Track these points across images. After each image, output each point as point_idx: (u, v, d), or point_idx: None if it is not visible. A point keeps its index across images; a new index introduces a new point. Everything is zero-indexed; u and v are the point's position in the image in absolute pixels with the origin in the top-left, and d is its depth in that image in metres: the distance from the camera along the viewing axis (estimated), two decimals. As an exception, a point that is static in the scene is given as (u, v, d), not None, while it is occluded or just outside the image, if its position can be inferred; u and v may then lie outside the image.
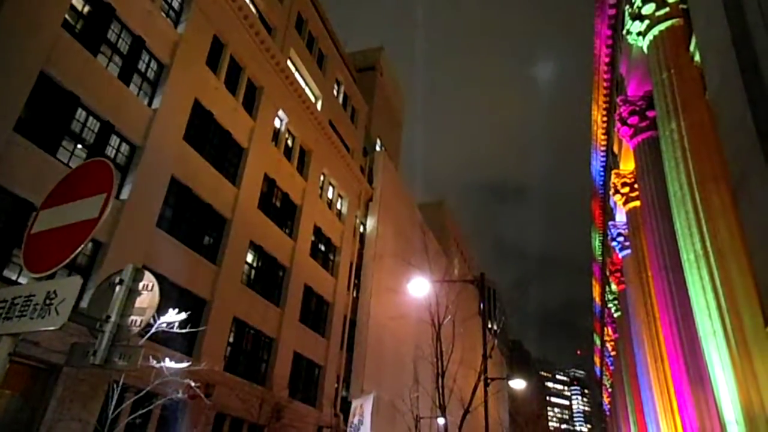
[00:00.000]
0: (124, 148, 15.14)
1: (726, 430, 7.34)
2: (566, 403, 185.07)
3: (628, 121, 13.39)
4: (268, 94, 22.63)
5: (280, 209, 23.61)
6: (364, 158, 33.85)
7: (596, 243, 29.97)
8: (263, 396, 18.98)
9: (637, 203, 15.55)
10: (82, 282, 3.52)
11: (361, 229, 32.10)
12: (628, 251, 18.38)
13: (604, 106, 18.38)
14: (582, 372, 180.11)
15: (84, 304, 4.17)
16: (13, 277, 11.53)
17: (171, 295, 15.68)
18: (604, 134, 19.50)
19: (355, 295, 29.71)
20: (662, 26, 10.30)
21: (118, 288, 3.78)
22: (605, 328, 36.48)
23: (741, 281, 7.56)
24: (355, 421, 17.04)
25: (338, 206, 29.67)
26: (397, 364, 30.02)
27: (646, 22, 10.55)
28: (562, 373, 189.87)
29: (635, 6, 10.70)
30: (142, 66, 16.00)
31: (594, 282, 36.03)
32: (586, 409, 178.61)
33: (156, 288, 3.83)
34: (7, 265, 11.58)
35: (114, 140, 14.78)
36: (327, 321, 26.45)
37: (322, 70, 29.24)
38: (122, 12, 14.96)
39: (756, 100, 6.05)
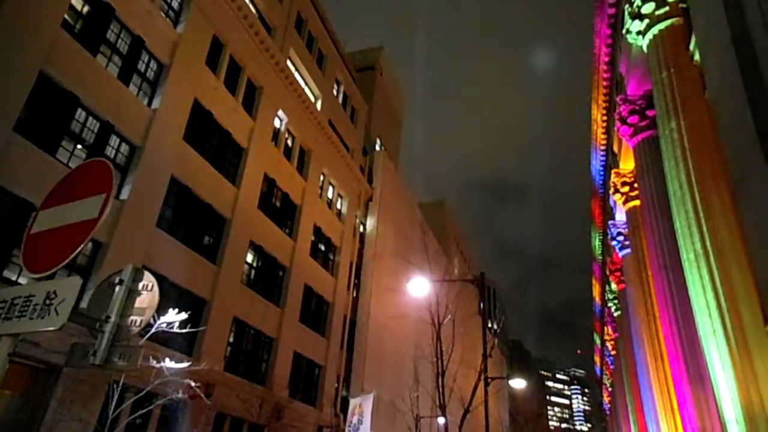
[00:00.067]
0: (124, 148, 15.14)
1: (726, 429, 7.33)
2: (566, 402, 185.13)
3: (628, 121, 13.38)
4: (268, 94, 22.62)
5: (280, 209, 23.61)
6: (363, 158, 33.85)
7: (596, 242, 29.97)
8: (263, 396, 18.98)
9: (637, 202, 15.55)
10: (81, 282, 3.52)
11: (361, 229, 32.10)
12: (628, 250, 18.37)
13: (604, 105, 18.38)
14: (582, 371, 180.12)
15: (84, 304, 4.17)
16: (13, 278, 11.52)
17: (171, 295, 15.68)
18: (603, 133, 19.49)
19: (355, 294, 29.71)
20: (662, 25, 10.30)
21: (117, 288, 3.78)
22: (605, 328, 36.49)
23: (741, 280, 7.55)
24: (354, 420, 17.03)
25: (338, 206, 29.67)
26: (397, 363, 30.03)
27: (646, 21, 10.54)
28: (562, 373, 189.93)
29: (635, 5, 10.69)
30: (141, 66, 16.00)
31: (594, 281, 36.02)
32: (587, 408, 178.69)
33: (156, 288, 3.83)
34: (6, 265, 11.58)
35: (114, 140, 14.78)
36: (327, 321, 26.45)
37: (322, 70, 29.24)
38: (122, 12, 14.95)
39: (756, 99, 6.05)
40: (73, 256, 3.69)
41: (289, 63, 24.93)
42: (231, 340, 19.14)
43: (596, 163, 21.82)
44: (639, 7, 10.59)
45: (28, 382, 11.89)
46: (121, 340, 3.66)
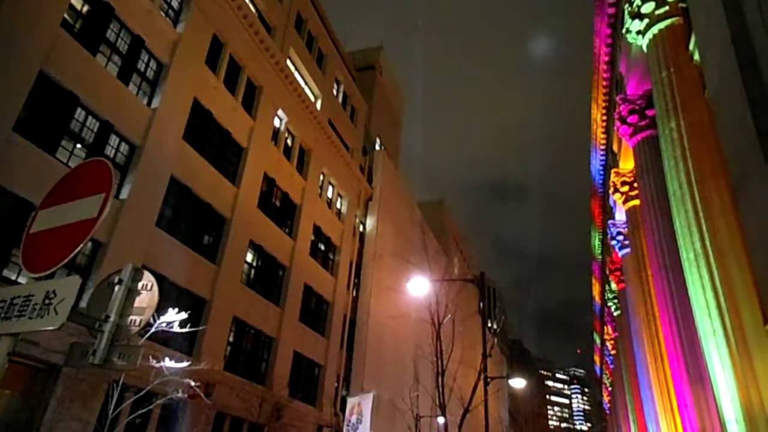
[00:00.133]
0: (124, 147, 15.13)
1: (726, 429, 7.34)
2: (566, 401, 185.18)
3: (628, 120, 13.38)
4: (268, 94, 22.61)
5: (280, 208, 23.61)
6: (363, 157, 33.85)
7: (596, 242, 29.98)
8: (263, 395, 18.99)
9: (637, 202, 15.55)
10: (81, 282, 3.52)
11: (361, 229, 32.11)
12: (628, 250, 18.38)
13: (604, 104, 18.38)
14: (582, 371, 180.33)
15: (83, 303, 4.17)
16: (13, 277, 11.52)
17: (170, 294, 15.67)
18: (603, 133, 19.50)
19: (354, 294, 29.72)
20: (662, 25, 10.29)
21: (117, 288, 3.77)
22: (605, 327, 36.50)
23: (741, 280, 7.55)
24: (353, 419, 17.01)
25: (338, 205, 29.67)
26: (397, 363, 30.03)
27: (646, 20, 10.54)
28: (562, 372, 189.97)
29: (635, 5, 10.69)
30: (141, 65, 15.99)
31: (594, 281, 36.04)
32: (586, 407, 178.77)
33: (155, 287, 3.83)
34: (6, 264, 11.58)
35: (113, 140, 14.77)
36: (327, 320, 26.46)
37: (322, 70, 29.23)
38: (121, 11, 14.95)
39: (755, 99, 6.05)
40: (72, 255, 3.69)
41: (288, 62, 24.92)
42: (231, 339, 19.14)
43: (596, 162, 21.82)
44: (639, 7, 10.59)
45: (27, 382, 11.89)
46: (121, 340, 3.66)
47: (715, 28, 7.12)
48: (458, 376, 16.62)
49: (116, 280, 3.82)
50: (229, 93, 20.06)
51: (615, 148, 17.42)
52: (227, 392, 17.46)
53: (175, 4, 17.79)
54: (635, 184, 15.01)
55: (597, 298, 37.49)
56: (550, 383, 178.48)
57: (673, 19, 10.20)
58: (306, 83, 27.23)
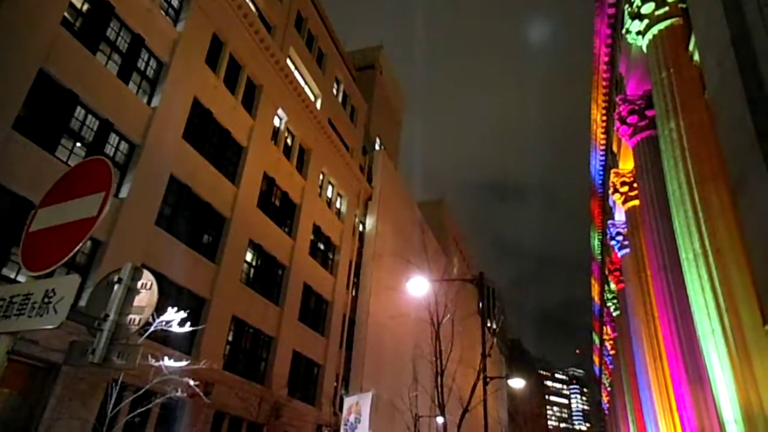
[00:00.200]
0: (123, 146, 15.12)
1: (725, 429, 7.34)
2: (565, 401, 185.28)
3: (628, 120, 13.39)
4: (268, 93, 22.61)
5: (280, 208, 23.61)
6: (363, 157, 33.84)
7: (595, 242, 29.98)
8: (262, 395, 19.00)
9: (636, 202, 15.55)
10: (80, 280, 3.52)
11: (361, 228, 32.11)
12: (627, 250, 18.38)
13: (604, 105, 18.38)
14: (581, 371, 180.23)
15: (83, 302, 4.17)
16: (12, 276, 11.52)
17: (170, 293, 15.69)
18: (603, 133, 19.50)
19: (354, 293, 29.72)
20: (661, 25, 10.30)
21: (116, 286, 3.77)
22: (604, 327, 36.51)
23: (740, 280, 7.56)
24: (351, 419, 16.98)
25: (337, 205, 29.67)
26: (396, 362, 30.04)
27: (646, 21, 10.54)
28: (561, 372, 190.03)
29: (634, 5, 10.69)
30: (141, 64, 15.98)
31: (593, 281, 36.04)
32: (585, 407, 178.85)
33: (155, 286, 3.83)
34: (5, 263, 11.58)
35: (113, 138, 14.77)
36: (326, 320, 26.46)
37: (322, 69, 29.22)
38: (121, 10, 14.94)
39: (755, 99, 6.05)
40: (71, 254, 3.69)
41: (288, 62, 24.92)
42: (230, 338, 19.14)
43: (596, 162, 21.83)
44: (639, 7, 10.59)
45: (26, 381, 11.88)
46: (120, 339, 3.66)
47: (715, 29, 7.12)
48: (457, 375, 16.65)
49: (116, 278, 3.82)
50: (228, 92, 20.06)
51: (615, 148, 17.42)
52: (226, 391, 17.47)
53: (175, 2, 17.78)
54: (635, 185, 15.01)
55: (596, 298, 37.50)
56: (549, 383, 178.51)
57: (673, 20, 10.20)
58: (306, 82, 27.22)
